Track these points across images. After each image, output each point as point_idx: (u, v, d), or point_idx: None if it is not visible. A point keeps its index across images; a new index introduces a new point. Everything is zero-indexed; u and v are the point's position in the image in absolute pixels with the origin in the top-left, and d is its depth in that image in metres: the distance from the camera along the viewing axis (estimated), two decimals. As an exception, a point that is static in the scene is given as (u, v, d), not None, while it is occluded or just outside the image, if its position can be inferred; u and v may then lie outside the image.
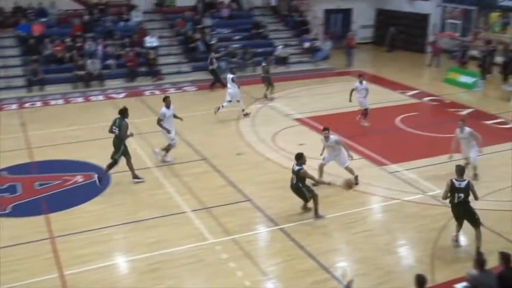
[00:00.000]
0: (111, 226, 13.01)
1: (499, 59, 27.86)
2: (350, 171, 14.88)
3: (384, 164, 16.69)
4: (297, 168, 12.84)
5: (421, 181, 15.39)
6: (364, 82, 19.99)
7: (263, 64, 24.41)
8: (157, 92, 25.19)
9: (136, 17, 29.49)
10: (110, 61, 26.51)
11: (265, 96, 23.85)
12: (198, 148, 17.78)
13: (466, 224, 11.85)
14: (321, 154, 15.04)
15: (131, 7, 29.84)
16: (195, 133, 19.27)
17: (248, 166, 16.64)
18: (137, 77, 26.56)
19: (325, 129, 14.61)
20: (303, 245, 12.08)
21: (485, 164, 16.51)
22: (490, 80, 27.02)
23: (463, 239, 12.70)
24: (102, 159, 16.71)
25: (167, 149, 16.74)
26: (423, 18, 34.69)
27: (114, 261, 11.76)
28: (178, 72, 27.59)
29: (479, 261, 9.03)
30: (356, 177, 14.87)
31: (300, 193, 13.13)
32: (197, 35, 28.56)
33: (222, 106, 20.98)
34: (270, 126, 20.16)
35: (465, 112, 22.14)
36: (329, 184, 14.79)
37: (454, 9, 32.97)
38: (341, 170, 14.91)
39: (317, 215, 13.25)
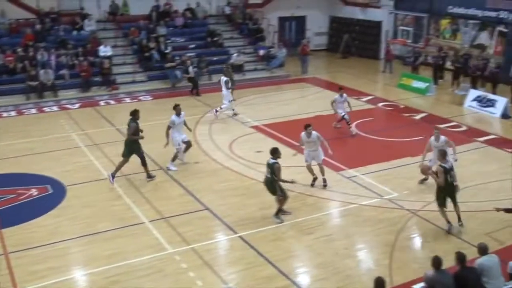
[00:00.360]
0: (67, 239, 12.74)
1: (450, 64, 28.49)
2: (322, 170, 15.52)
3: (341, 169, 16.85)
4: (272, 161, 13.08)
5: (378, 185, 15.60)
6: (344, 94, 20.24)
7: (224, 68, 24.54)
8: (112, 102, 24.90)
9: (89, 26, 29.09)
10: (64, 71, 26.06)
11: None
12: (155, 158, 17.62)
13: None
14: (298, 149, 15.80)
15: (84, 16, 29.38)
16: (152, 142, 19.00)
17: (205, 174, 16.57)
18: (92, 87, 26.19)
19: (308, 125, 15.28)
20: (262, 252, 12.08)
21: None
22: (442, 85, 27.66)
23: (418, 240, 12.95)
24: (57, 171, 16.48)
25: (174, 157, 16.93)
26: (376, 25, 35.30)
27: (71, 276, 11.50)
28: (133, 82, 27.32)
29: (436, 261, 9.20)
30: (324, 179, 15.58)
31: (272, 188, 13.29)
32: (152, 44, 28.36)
33: (221, 108, 22.20)
34: (227, 134, 20.15)
35: (419, 116, 22.57)
36: (292, 182, 14.94)
37: (406, 16, 33.63)
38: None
39: (277, 216, 13.40)
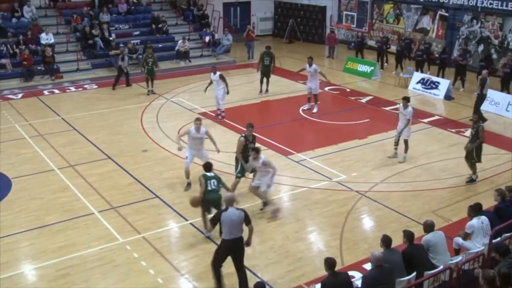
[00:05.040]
0: (15, 233, 12.40)
1: (394, 48, 29.03)
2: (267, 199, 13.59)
3: (290, 153, 16.99)
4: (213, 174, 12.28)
5: (327, 168, 15.80)
6: (314, 65, 20.75)
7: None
8: (56, 91, 24.29)
9: (29, 12, 28.23)
10: (4, 60, 25.25)
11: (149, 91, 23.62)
12: (102, 147, 17.36)
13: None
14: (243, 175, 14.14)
15: (23, 2, 28.48)
16: (98, 132, 18.81)
17: (154, 162, 16.42)
18: (34, 76, 25.45)
19: (254, 149, 13.28)
20: (213, 238, 12.09)
21: (386, 148, 17.25)
22: (387, 68, 28.16)
23: (367, 221, 13.21)
24: (1, 164, 16.02)
25: None
26: (321, 10, 35.63)
27: (21, 270, 11.21)
28: (77, 70, 26.73)
29: (385, 240, 9.40)
30: (274, 209, 13.56)
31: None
32: (95, 31, 27.78)
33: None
34: (174, 121, 19.96)
35: (365, 100, 22.92)
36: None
37: (350, 1, 33.96)
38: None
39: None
